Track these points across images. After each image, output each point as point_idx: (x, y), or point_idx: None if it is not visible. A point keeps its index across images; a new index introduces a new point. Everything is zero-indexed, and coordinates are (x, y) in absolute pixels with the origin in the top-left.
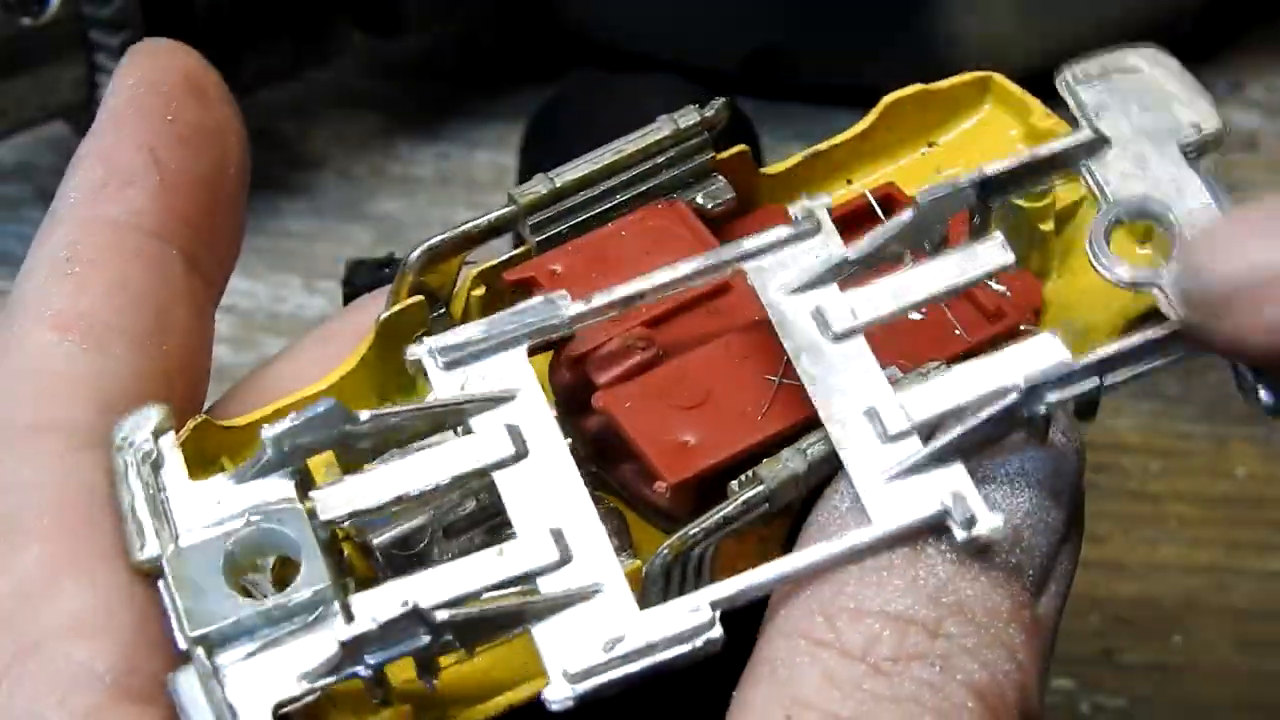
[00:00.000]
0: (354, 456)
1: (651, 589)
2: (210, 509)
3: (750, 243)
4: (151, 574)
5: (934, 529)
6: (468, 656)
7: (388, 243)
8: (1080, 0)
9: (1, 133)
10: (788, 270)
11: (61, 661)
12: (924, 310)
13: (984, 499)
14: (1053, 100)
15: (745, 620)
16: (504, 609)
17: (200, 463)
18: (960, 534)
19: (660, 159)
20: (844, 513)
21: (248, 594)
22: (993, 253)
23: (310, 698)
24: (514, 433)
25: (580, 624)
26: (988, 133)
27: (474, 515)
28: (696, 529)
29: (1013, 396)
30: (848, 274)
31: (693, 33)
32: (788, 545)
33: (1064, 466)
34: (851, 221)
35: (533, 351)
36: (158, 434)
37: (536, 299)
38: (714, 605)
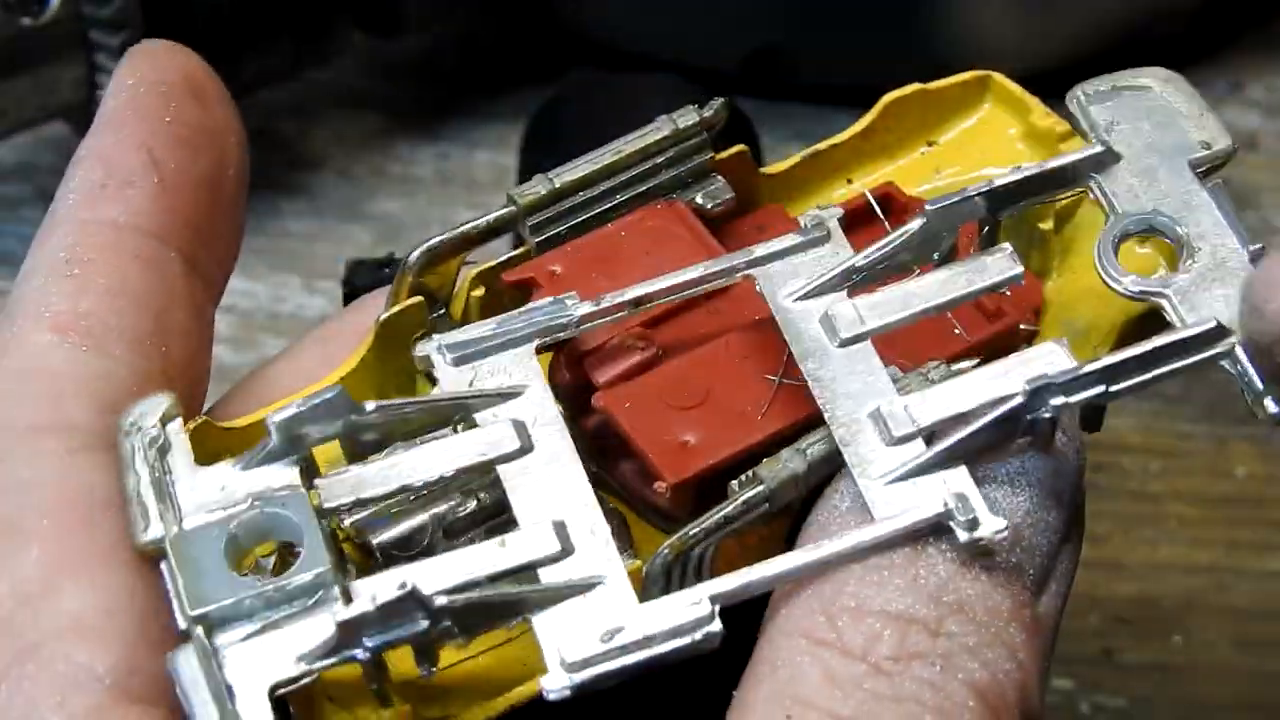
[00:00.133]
0: (359, 448)
1: (652, 589)
2: (214, 494)
3: (760, 249)
4: (154, 556)
5: (936, 530)
6: (465, 645)
7: (388, 243)
8: (1080, 0)
9: (1, 133)
10: (797, 277)
11: (61, 663)
12: None
13: (986, 501)
14: (1052, 100)
15: (746, 619)
16: (503, 596)
17: (201, 463)
18: (963, 536)
19: (659, 159)
20: (844, 512)
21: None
22: (1001, 264)
23: (307, 680)
24: (519, 427)
25: (579, 615)
26: (987, 132)
27: (474, 515)
28: (696, 529)
29: (1017, 401)
30: (856, 281)
31: (693, 33)
32: (788, 545)
33: (1064, 467)
34: (852, 221)
35: (540, 351)
36: (165, 420)
37: (546, 299)
38: (714, 600)
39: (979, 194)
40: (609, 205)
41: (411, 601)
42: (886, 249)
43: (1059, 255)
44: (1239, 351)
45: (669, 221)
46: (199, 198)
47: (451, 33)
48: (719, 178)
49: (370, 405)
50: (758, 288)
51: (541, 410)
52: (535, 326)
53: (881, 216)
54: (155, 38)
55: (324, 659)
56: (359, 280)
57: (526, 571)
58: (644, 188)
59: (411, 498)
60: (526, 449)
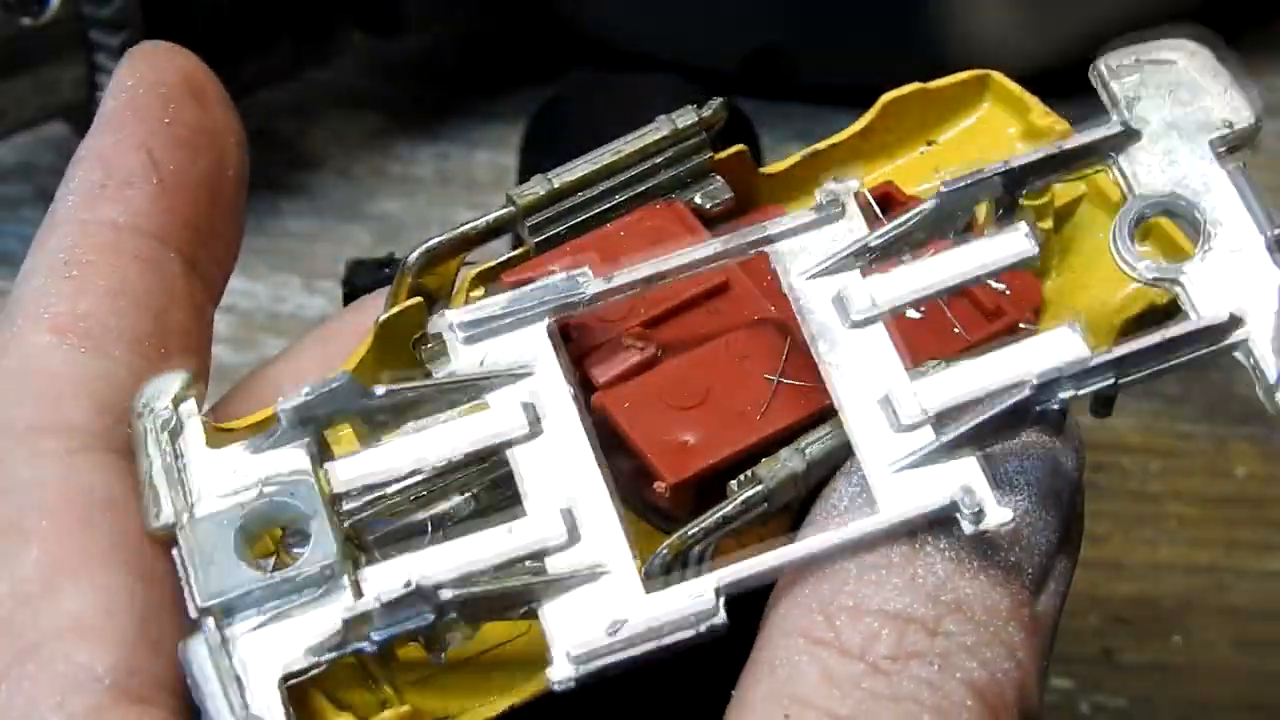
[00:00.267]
0: (371, 430)
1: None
2: (226, 478)
3: (773, 225)
4: (166, 541)
5: (942, 520)
6: (470, 637)
7: (388, 243)
8: (1080, 1)
9: (1, 133)
10: (810, 254)
11: (61, 663)
12: (923, 309)
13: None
14: (1052, 99)
15: (745, 618)
16: (508, 588)
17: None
18: (968, 527)
19: (658, 159)
20: (842, 512)
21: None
22: (1016, 242)
23: (316, 670)
24: (529, 410)
25: (585, 605)
26: (986, 131)
27: (473, 510)
28: (695, 529)
29: (1026, 392)
30: (870, 260)
31: (693, 33)
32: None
33: (1063, 465)
34: None
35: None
36: (178, 401)
37: (558, 275)
38: (718, 591)
39: (995, 174)
40: (608, 205)
41: (417, 597)
42: (901, 228)
43: (1058, 254)
44: (1252, 343)
45: (668, 222)
46: (198, 198)
47: (451, 33)
48: (718, 178)
49: (380, 389)
50: (771, 264)
51: (553, 390)
52: (547, 304)
53: (880, 216)
54: (155, 38)
55: (332, 651)
56: (359, 280)
57: (534, 559)
58: (643, 188)
59: (411, 499)
60: (537, 431)
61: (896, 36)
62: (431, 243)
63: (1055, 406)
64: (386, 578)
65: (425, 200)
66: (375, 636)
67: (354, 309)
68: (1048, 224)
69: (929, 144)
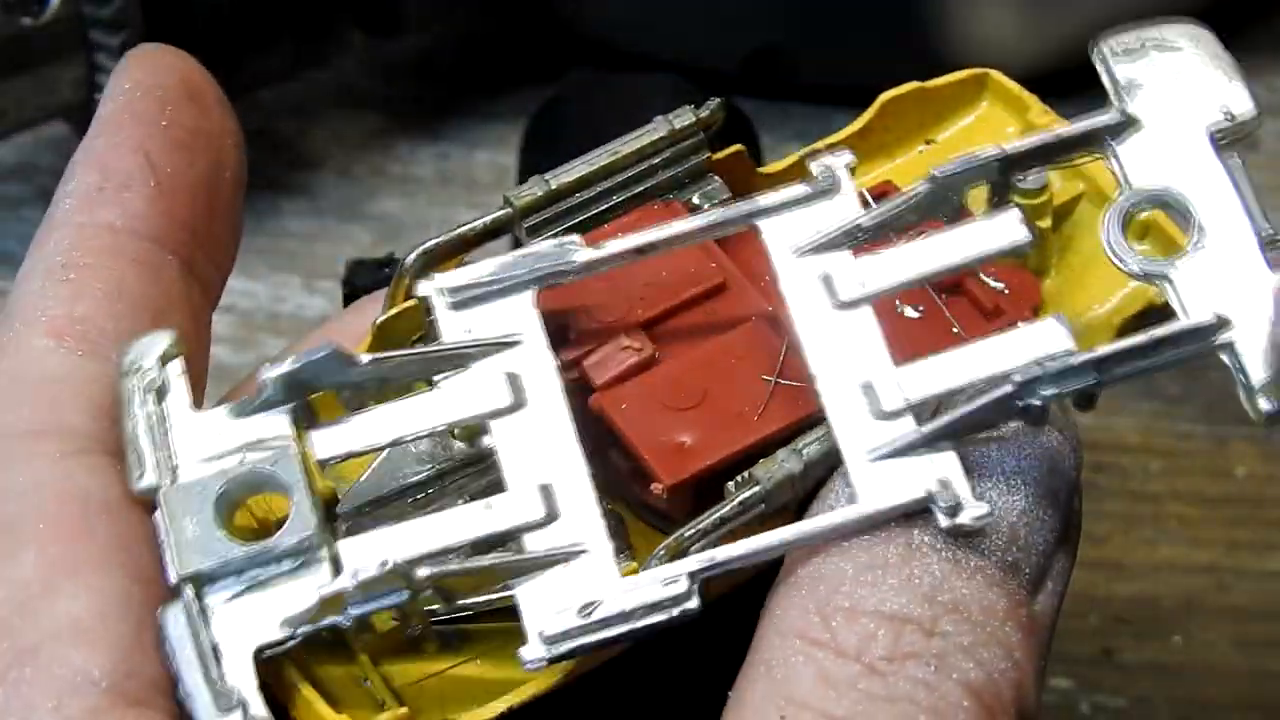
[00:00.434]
0: (356, 399)
1: None
2: (209, 441)
3: (765, 199)
4: (149, 502)
5: (918, 514)
6: (448, 608)
7: (388, 243)
8: (1080, 1)
9: (1, 133)
10: (801, 230)
11: (58, 666)
12: (921, 308)
13: (977, 491)
14: (1051, 99)
15: (743, 618)
16: (484, 568)
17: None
18: (944, 521)
19: (656, 160)
20: None
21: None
22: (1010, 228)
23: (292, 643)
24: (514, 381)
25: (560, 586)
26: (985, 130)
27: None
28: (692, 530)
29: (1007, 389)
30: (861, 241)
31: (693, 33)
32: None
33: (1061, 464)
34: None
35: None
36: (165, 360)
37: (548, 242)
38: (692, 575)
39: (990, 158)
40: (606, 206)
41: (393, 576)
42: (893, 210)
43: (1057, 253)
44: (1238, 345)
45: (666, 222)
46: (196, 201)
47: (451, 33)
48: (716, 178)
49: (364, 358)
50: (761, 238)
51: (537, 361)
52: (536, 272)
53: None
54: (155, 38)
55: (307, 625)
56: (359, 280)
57: (511, 537)
58: (640, 189)
59: (410, 500)
60: (519, 404)
61: (896, 36)
62: (429, 244)
63: (1037, 403)
64: (365, 553)
65: (425, 200)
66: (352, 612)
67: (354, 310)
68: (1046, 223)
69: (928, 143)
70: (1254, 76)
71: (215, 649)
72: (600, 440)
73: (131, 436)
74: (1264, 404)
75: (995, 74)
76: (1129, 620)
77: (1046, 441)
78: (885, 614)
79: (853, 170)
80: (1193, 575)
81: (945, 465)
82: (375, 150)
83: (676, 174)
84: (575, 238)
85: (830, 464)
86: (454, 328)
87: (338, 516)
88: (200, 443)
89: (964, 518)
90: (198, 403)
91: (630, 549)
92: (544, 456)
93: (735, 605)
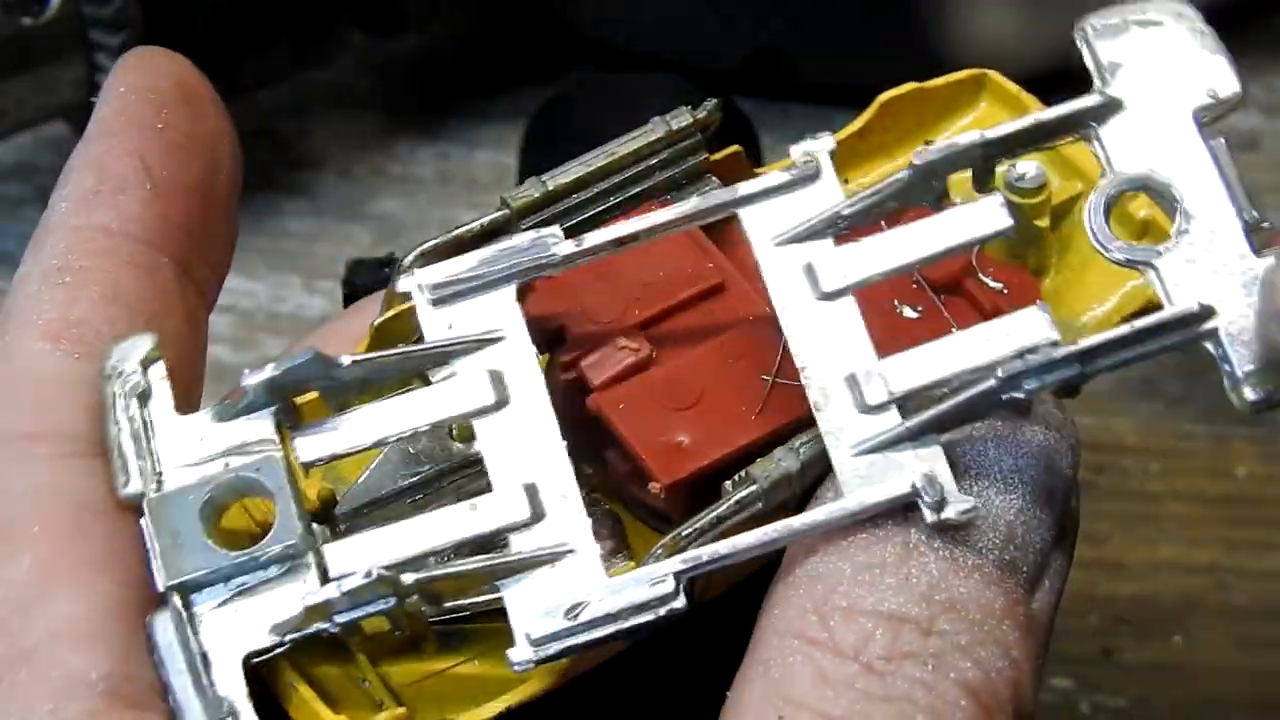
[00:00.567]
0: (340, 400)
1: None
2: (193, 446)
3: (745, 187)
4: (134, 509)
5: (904, 509)
6: (437, 610)
7: (388, 243)
8: (1080, 2)
9: (1, 133)
10: (782, 219)
11: (55, 669)
12: (920, 308)
13: (972, 489)
14: (1051, 99)
15: (741, 619)
16: (469, 571)
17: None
18: (929, 516)
19: (653, 161)
20: None
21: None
22: (991, 213)
23: (280, 649)
24: (496, 379)
25: (546, 587)
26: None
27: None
28: (690, 529)
29: (991, 382)
30: (843, 229)
31: (693, 33)
32: None
33: (1058, 463)
34: None
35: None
36: (146, 364)
37: (528, 234)
38: (677, 575)
39: (972, 144)
40: (603, 207)
41: (379, 584)
42: (874, 198)
43: (1056, 253)
44: (1222, 334)
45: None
46: (191, 204)
47: (451, 33)
48: (714, 179)
49: (346, 360)
50: (742, 227)
51: (520, 358)
52: (517, 266)
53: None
54: (155, 38)
55: (295, 632)
56: (359, 280)
57: (497, 538)
58: (638, 190)
59: (409, 501)
60: (503, 402)
61: (896, 36)
62: (426, 246)
63: (1020, 396)
64: (351, 557)
65: (425, 200)
66: (338, 619)
67: (353, 311)
68: (1044, 222)
69: (927, 143)
70: (1254, 76)
71: (205, 657)
72: (598, 440)
73: (115, 442)
74: (1249, 393)
75: (994, 74)
76: (1129, 620)
77: (1044, 440)
78: (883, 613)
79: (833, 155)
80: (1193, 575)
81: (931, 459)
82: (375, 150)
83: (674, 175)
84: (555, 229)
85: (827, 463)
86: (436, 324)
87: (335, 518)
88: (184, 447)
89: (949, 512)
90: (197, 404)
91: (628, 549)
92: (528, 455)
93: (733, 605)
